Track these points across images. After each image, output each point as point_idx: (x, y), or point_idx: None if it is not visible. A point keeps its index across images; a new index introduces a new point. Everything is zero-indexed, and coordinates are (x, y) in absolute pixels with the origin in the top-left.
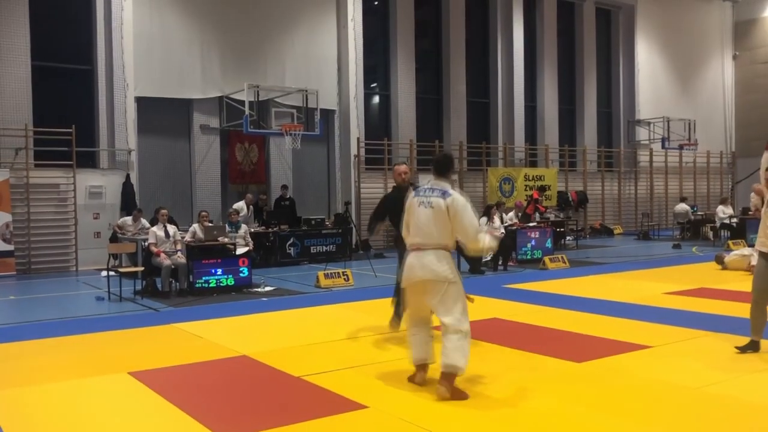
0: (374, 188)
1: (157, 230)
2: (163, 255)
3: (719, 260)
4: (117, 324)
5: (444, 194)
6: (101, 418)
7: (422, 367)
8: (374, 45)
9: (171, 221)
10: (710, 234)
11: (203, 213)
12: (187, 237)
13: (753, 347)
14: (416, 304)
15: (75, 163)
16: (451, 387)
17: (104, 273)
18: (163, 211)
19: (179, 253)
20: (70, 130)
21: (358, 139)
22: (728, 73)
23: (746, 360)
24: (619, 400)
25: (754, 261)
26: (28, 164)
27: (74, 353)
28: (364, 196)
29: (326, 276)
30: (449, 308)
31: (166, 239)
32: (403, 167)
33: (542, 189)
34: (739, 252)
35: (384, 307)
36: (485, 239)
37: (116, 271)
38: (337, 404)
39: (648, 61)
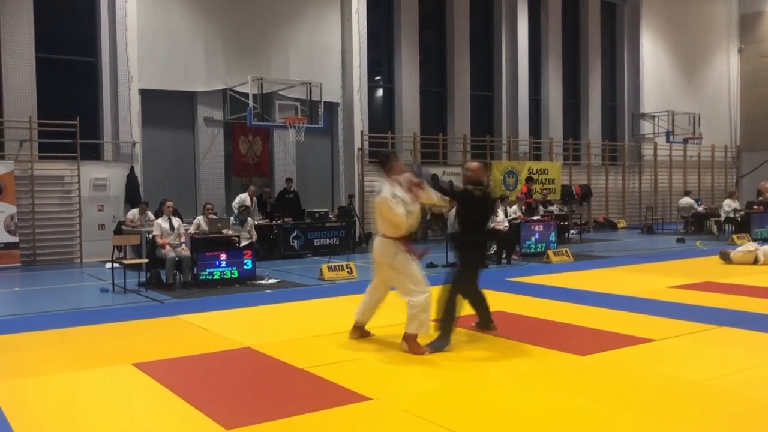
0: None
1: (162, 222)
2: (168, 247)
3: (724, 257)
4: (121, 315)
5: (378, 194)
6: (105, 410)
7: (357, 326)
8: (378, 38)
9: (175, 213)
10: (714, 228)
11: (208, 205)
12: (192, 229)
13: None
14: (377, 273)
15: (79, 155)
16: (409, 345)
17: (108, 265)
18: (169, 203)
19: (183, 246)
20: (75, 122)
21: (361, 132)
22: (734, 67)
23: (750, 354)
24: (622, 393)
25: (761, 256)
26: (32, 156)
27: (79, 344)
28: (368, 190)
29: (330, 269)
30: (399, 286)
31: (171, 231)
32: (473, 164)
33: (530, 180)
34: (744, 247)
35: (387, 298)
36: (399, 218)
37: (120, 263)
38: (341, 396)
39: (653, 55)
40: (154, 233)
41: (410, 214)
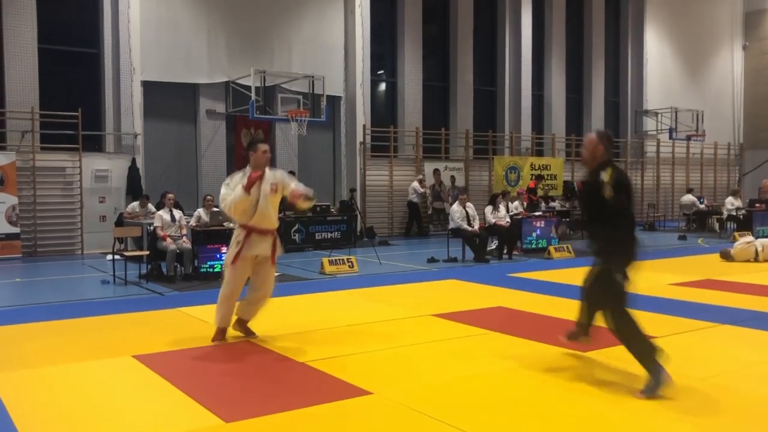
0: (380, 176)
1: (164, 214)
2: (168, 239)
3: (725, 255)
4: (122, 307)
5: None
6: (105, 401)
7: (238, 322)
8: (381, 32)
9: (177, 206)
10: (716, 226)
11: (209, 198)
12: (192, 221)
13: None
14: None
15: (81, 146)
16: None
17: (109, 256)
18: (170, 196)
19: (184, 238)
20: (77, 113)
21: (364, 126)
22: (737, 64)
23: (751, 352)
24: (623, 390)
25: (759, 246)
26: (34, 147)
27: (79, 336)
28: (370, 184)
29: (331, 263)
30: None
31: (172, 223)
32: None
33: (539, 178)
34: (743, 240)
35: (389, 293)
36: (227, 203)
37: (121, 255)
38: (341, 390)
39: (657, 51)
40: (155, 225)
41: (243, 200)
